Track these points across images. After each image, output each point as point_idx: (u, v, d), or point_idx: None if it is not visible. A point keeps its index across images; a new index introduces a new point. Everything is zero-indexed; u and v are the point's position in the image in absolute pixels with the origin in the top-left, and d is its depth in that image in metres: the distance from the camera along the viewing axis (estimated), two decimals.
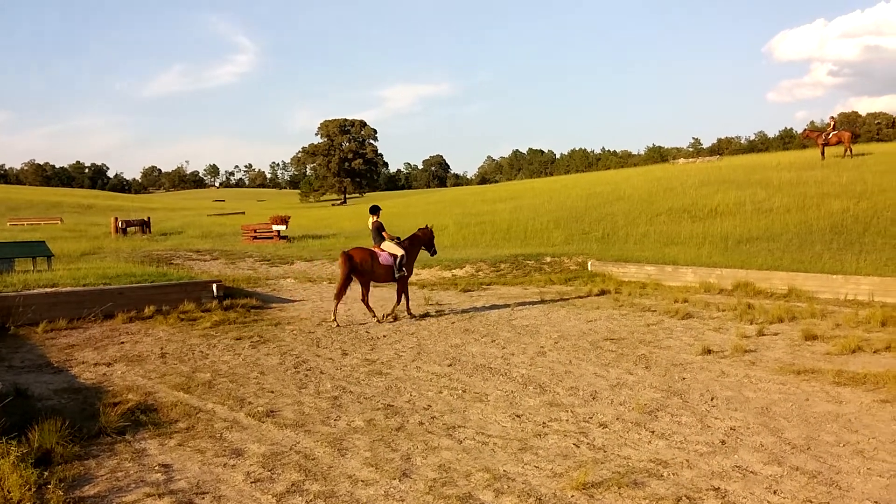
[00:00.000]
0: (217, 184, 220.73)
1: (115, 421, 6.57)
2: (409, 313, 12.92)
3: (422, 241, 13.47)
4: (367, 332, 11.59)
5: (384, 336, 11.21)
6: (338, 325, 12.09)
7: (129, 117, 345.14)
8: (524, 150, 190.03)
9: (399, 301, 13.01)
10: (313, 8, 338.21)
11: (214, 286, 14.13)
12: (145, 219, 34.57)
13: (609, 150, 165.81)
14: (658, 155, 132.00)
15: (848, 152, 31.55)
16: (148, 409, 7.18)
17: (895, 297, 12.79)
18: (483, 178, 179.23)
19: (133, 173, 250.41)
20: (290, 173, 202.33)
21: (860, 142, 52.16)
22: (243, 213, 60.29)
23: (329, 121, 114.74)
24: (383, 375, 8.68)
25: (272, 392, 7.93)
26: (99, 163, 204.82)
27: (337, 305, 12.47)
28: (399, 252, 12.79)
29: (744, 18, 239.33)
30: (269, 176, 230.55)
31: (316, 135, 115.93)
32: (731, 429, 6.45)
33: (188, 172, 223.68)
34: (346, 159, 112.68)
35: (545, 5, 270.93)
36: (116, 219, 32.35)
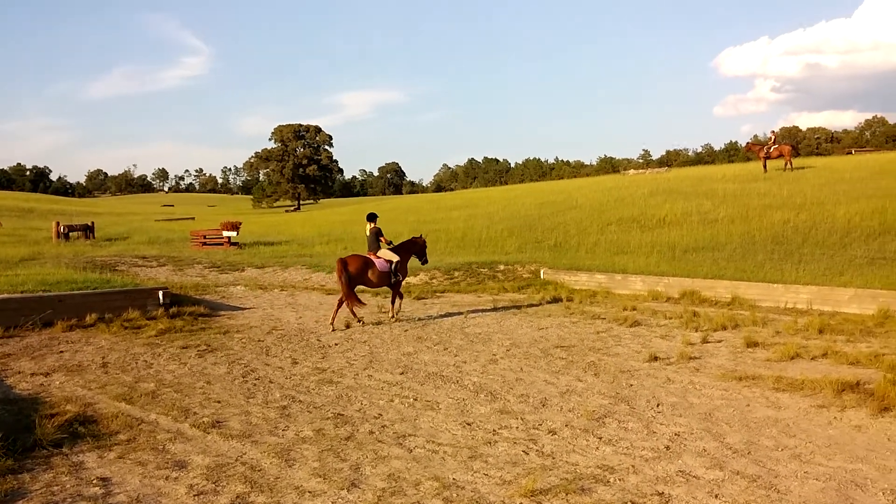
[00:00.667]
0: (166, 188, 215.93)
1: (52, 433, 6.35)
2: (395, 316, 13.32)
3: (414, 249, 13.68)
4: (318, 340, 11.47)
5: (336, 344, 11.12)
6: (363, 325, 12.67)
7: (72, 119, 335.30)
8: (479, 159, 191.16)
9: (395, 303, 13.44)
10: (268, 12, 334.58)
11: (161, 293, 13.82)
12: (89, 223, 33.60)
13: (562, 160, 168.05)
14: (609, 165, 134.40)
15: (788, 166, 32.64)
16: (87, 420, 6.96)
17: (832, 305, 13.26)
18: (439, 186, 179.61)
19: (77, 177, 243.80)
20: (243, 178, 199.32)
21: (800, 156, 53.96)
22: (193, 218, 59.14)
23: (283, 126, 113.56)
24: (334, 384, 8.61)
25: (219, 402, 7.78)
26: (41, 165, 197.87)
27: (351, 310, 12.75)
28: (395, 258, 13.11)
29: (692, 34, 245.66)
30: (220, 181, 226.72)
31: (269, 140, 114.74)
32: (675, 434, 6.59)
33: (136, 176, 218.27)
34: (301, 165, 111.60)
35: (498, 16, 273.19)
36: (58, 223, 31.34)
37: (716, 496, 5.18)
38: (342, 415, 7.30)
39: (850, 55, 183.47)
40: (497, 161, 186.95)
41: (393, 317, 13.26)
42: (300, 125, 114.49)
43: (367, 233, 13.31)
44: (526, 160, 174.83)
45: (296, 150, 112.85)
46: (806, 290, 13.83)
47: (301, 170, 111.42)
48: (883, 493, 5.19)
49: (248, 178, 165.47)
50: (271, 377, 8.94)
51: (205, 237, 28.80)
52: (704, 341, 10.86)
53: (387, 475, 5.61)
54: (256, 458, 6.01)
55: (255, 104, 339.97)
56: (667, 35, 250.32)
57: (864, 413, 7.11)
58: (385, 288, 13.68)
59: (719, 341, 10.88)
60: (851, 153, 68.48)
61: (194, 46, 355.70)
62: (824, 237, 18.35)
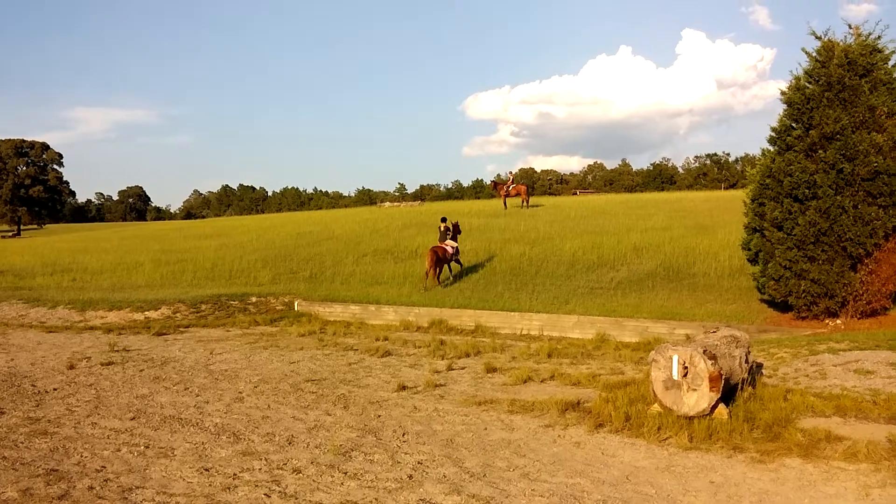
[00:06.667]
0: None
1: None
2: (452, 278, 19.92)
3: (456, 233, 20.59)
4: (32, 385, 10.08)
5: (54, 389, 9.86)
6: (425, 290, 18.74)
7: None
8: (235, 186, 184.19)
9: (453, 273, 20.11)
10: None
11: None
12: None
13: (321, 191, 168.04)
14: (367, 197, 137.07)
15: (525, 203, 35.89)
16: None
17: (559, 331, 14.71)
18: (189, 213, 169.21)
19: None
20: None
21: (535, 195, 59.73)
22: None
23: (1, 140, 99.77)
24: (49, 435, 7.60)
25: None
26: None
27: (432, 277, 18.99)
28: (455, 244, 20.15)
29: (446, 78, 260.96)
30: None
31: None
32: (418, 463, 6.77)
33: None
34: (23, 185, 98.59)
35: (254, 44, 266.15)
36: None
37: None
38: (56, 470, 6.45)
39: (576, 107, 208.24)
40: (253, 189, 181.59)
41: (451, 279, 19.83)
42: (23, 140, 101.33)
43: (441, 229, 20.31)
44: (284, 189, 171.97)
45: (16, 169, 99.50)
46: (538, 317, 15.20)
47: (23, 191, 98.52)
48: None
49: None
50: None
51: None
52: (450, 368, 11.39)
53: None
54: None
55: None
56: (423, 76, 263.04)
57: (583, 430, 7.92)
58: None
59: (463, 368, 11.49)
60: (577, 194, 77.51)
61: None
62: (554, 269, 20.35)
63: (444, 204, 52.41)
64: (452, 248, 20.02)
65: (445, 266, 19.95)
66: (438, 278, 19.35)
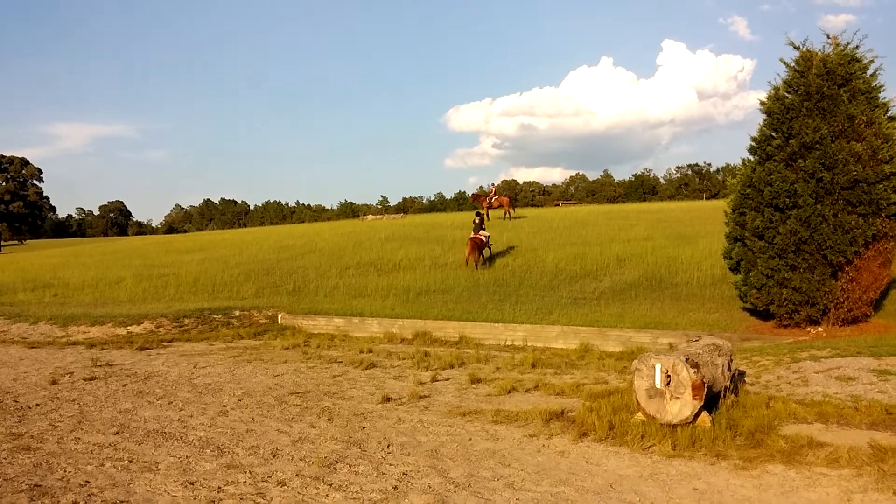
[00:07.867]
0: None
1: None
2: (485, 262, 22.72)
3: (482, 224, 23.63)
4: (15, 401, 9.97)
5: (37, 405, 9.75)
6: (476, 266, 22.13)
7: None
8: (216, 200, 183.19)
9: (485, 257, 23.06)
10: None
11: None
12: None
13: (304, 204, 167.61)
14: (350, 210, 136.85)
15: (508, 215, 36.03)
16: None
17: (543, 341, 14.78)
18: (171, 228, 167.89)
19: None
20: None
21: (518, 206, 59.99)
22: None
23: None
24: (32, 451, 7.51)
25: None
26: None
27: (476, 262, 22.25)
28: (488, 234, 23.57)
29: (427, 90, 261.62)
30: None
31: None
32: (403, 474, 6.77)
33: None
34: (2, 201, 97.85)
35: (234, 58, 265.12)
36: None
37: None
38: (40, 486, 6.38)
39: (558, 119, 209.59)
40: (235, 203, 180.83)
41: (485, 263, 22.70)
42: (2, 156, 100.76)
43: (475, 222, 23.46)
44: (266, 203, 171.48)
45: None
46: (522, 328, 15.26)
47: (2, 206, 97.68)
48: None
49: None
50: None
51: None
52: (434, 380, 11.40)
53: None
54: None
55: None
56: (405, 89, 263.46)
57: (567, 439, 7.95)
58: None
59: (447, 379, 11.50)
60: (559, 205, 77.97)
61: None
62: (537, 280, 20.44)
63: (426, 216, 52.53)
64: (486, 236, 23.35)
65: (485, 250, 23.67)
66: (477, 264, 22.34)
